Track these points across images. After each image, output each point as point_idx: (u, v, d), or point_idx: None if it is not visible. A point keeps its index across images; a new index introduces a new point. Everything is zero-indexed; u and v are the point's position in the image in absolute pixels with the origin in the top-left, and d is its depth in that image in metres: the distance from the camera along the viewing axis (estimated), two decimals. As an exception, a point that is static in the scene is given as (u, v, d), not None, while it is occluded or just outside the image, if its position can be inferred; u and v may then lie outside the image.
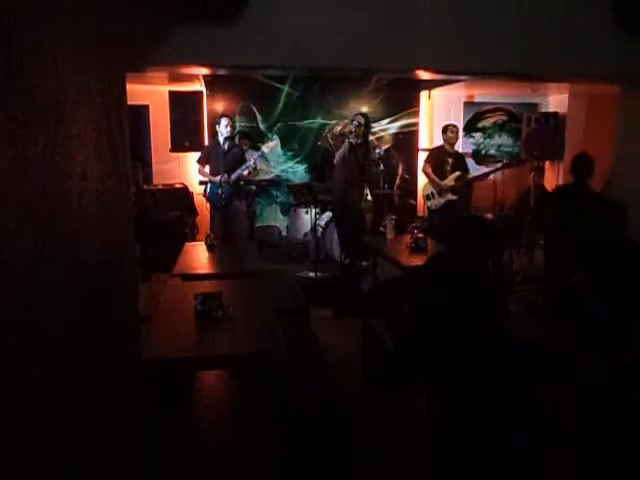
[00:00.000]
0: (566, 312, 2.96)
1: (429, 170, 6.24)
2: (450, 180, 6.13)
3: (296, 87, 7.42)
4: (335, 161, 6.23)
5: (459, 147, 8.15)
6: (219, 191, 5.87)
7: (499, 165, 6.90)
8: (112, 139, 1.70)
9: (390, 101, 7.66)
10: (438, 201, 6.19)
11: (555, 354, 2.86)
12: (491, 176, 6.61)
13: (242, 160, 6.16)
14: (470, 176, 6.35)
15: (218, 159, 5.94)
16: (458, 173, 6.13)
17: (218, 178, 5.86)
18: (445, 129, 6.27)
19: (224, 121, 6.02)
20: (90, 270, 1.50)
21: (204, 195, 6.35)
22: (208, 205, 6.39)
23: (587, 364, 2.76)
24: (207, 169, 6.17)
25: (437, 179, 6.16)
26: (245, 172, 6.07)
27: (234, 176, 6.00)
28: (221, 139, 6.00)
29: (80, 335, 1.42)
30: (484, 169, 6.89)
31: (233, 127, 6.35)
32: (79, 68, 1.45)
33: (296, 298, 5.16)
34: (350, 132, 6.01)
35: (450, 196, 6.12)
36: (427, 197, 6.32)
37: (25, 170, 1.12)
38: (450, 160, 6.19)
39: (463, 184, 6.18)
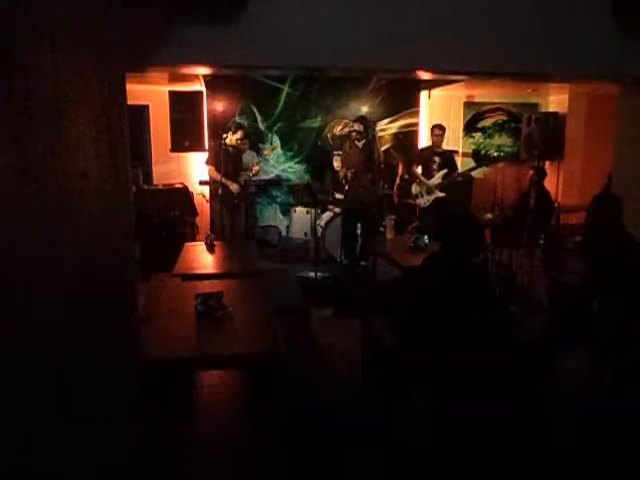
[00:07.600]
0: (566, 312, 2.95)
1: (417, 171, 6.39)
2: (437, 178, 6.23)
3: (296, 87, 7.40)
4: (347, 166, 6.14)
5: (459, 147, 8.18)
6: (234, 192, 6.01)
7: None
8: (112, 139, 1.70)
9: (390, 101, 7.65)
10: (426, 199, 6.30)
11: (556, 354, 2.86)
12: (487, 170, 6.63)
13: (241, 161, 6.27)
14: (457, 172, 6.44)
15: (228, 161, 5.98)
16: (445, 171, 6.20)
17: (235, 183, 6.01)
18: (432, 129, 6.40)
19: (239, 134, 6.04)
20: (90, 270, 1.50)
21: (210, 195, 6.37)
22: (208, 205, 6.39)
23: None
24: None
25: (423, 178, 6.27)
26: (250, 174, 6.27)
27: (245, 178, 6.18)
28: (227, 142, 5.99)
29: (80, 335, 1.41)
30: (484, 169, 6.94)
31: (244, 136, 6.37)
32: (79, 68, 1.45)
33: (296, 298, 5.15)
34: (355, 137, 6.03)
35: (438, 194, 6.19)
36: (416, 196, 6.45)
37: (25, 170, 1.12)
38: (437, 159, 6.30)
39: (452, 181, 6.26)
